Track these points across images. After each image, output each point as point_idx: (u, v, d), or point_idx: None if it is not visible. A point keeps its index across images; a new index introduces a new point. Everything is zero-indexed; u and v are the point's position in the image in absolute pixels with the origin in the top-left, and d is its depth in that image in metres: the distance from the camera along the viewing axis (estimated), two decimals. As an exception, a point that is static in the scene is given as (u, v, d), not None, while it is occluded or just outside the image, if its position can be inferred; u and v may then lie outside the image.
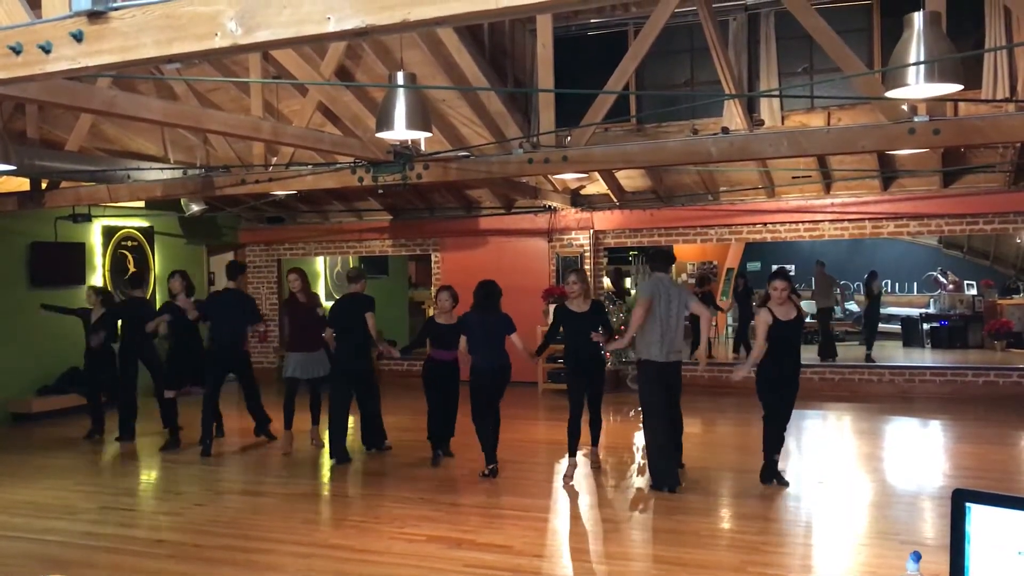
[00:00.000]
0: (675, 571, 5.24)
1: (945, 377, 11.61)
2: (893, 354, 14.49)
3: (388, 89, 5.95)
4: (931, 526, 6.09)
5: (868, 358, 13.35)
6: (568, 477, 7.40)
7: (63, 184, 10.20)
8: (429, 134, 6.40)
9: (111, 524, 6.86)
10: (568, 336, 7.61)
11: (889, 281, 18.63)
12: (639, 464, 8.18)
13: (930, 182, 11.00)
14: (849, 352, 14.84)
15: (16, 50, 3.00)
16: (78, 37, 2.91)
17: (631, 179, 11.95)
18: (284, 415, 8.76)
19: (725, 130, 8.10)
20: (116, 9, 2.86)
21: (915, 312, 16.90)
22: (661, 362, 7.03)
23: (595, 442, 7.89)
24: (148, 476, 8.29)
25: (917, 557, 2.01)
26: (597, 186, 12.04)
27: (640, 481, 7.55)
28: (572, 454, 7.53)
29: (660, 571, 5.27)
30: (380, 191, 11.66)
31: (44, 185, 10.16)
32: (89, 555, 5.96)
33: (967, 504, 1.77)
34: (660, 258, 7.37)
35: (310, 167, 8.82)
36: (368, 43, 8.48)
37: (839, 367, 12.45)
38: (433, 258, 14.00)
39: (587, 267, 12.80)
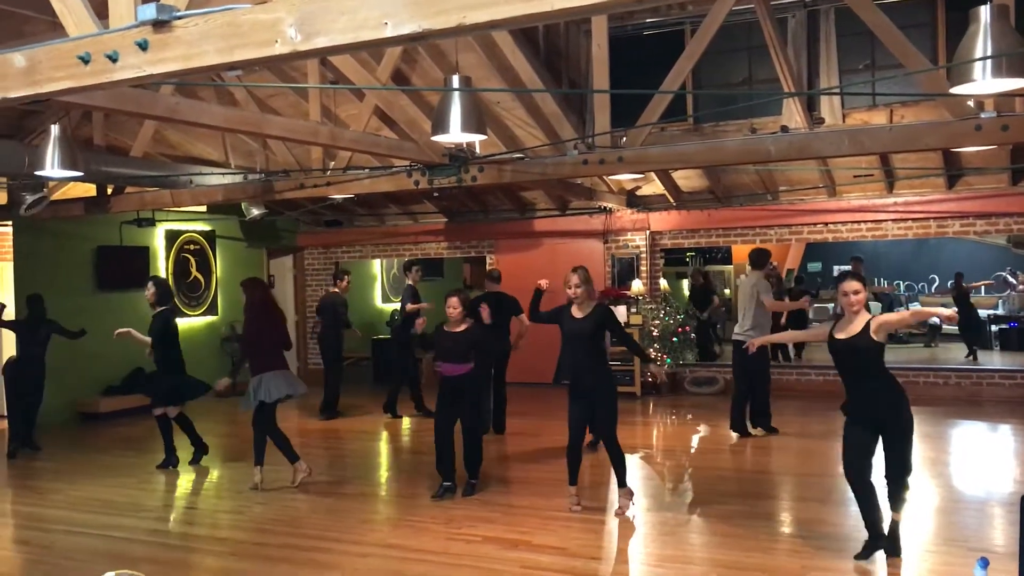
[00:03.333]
0: (734, 575, 5.18)
1: (1015, 380, 11.27)
2: (960, 356, 14.11)
3: (443, 92, 5.98)
4: (1001, 533, 5.92)
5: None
6: (573, 506, 6.54)
7: (128, 189, 10.48)
8: (484, 136, 6.42)
9: (175, 522, 7.03)
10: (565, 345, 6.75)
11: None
12: (697, 467, 8.10)
13: (998, 179, 10.70)
14: (913, 354, 14.52)
15: (85, 60, 3.09)
16: (143, 46, 2.98)
17: (688, 179, 11.84)
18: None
19: (784, 129, 7.98)
20: (180, 18, 2.92)
21: (983, 313, 16.45)
22: None
23: (620, 482, 6.55)
24: (210, 476, 8.44)
25: (984, 563, 1.95)
26: (653, 186, 11.96)
27: (698, 484, 7.47)
28: (572, 482, 6.61)
29: (719, 575, 5.21)
30: (435, 194, 11.75)
31: (110, 190, 10.45)
32: (154, 552, 6.10)
33: (1039, 512, 1.72)
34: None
35: (367, 171, 8.92)
36: (424, 47, 8.53)
37: (902, 369, 12.14)
38: (488, 260, 14.03)
39: (643, 268, 12.72)
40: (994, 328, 15.77)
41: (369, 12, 2.59)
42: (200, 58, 2.92)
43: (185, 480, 8.21)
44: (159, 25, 2.94)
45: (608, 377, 6.52)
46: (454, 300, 7.02)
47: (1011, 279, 17.62)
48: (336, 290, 11.47)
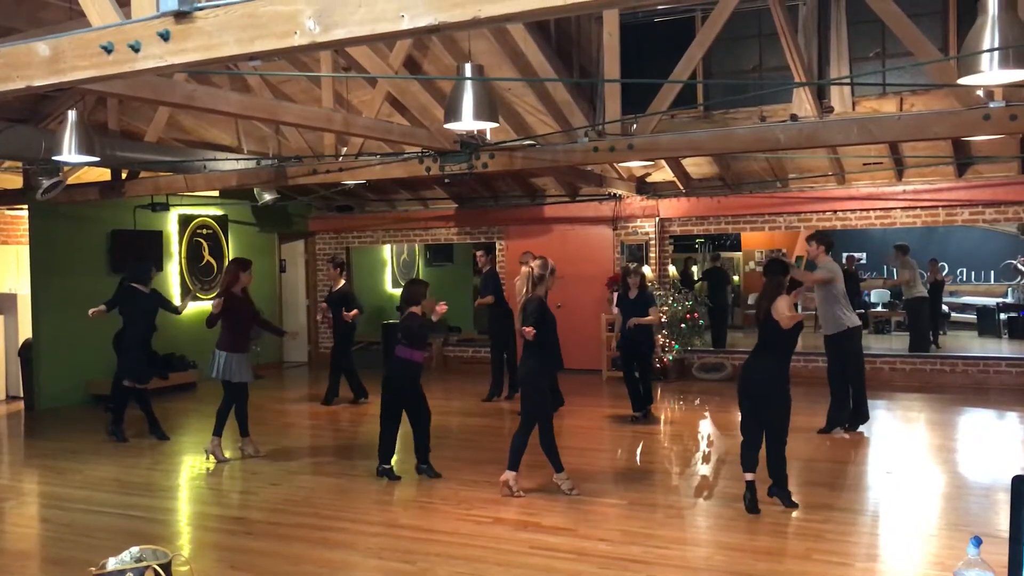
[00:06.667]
0: (739, 557, 5.27)
1: (1021, 368, 11.31)
2: (968, 344, 14.14)
3: (456, 81, 6.03)
4: (1004, 518, 5.97)
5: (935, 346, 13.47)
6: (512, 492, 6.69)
7: (142, 174, 10.58)
8: (496, 124, 6.48)
9: (190, 501, 7.16)
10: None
11: (964, 269, 18.18)
12: (704, 452, 8.20)
13: (1008, 168, 10.71)
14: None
15: (108, 49, 3.17)
16: (165, 36, 3.05)
17: (698, 166, 11.88)
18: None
19: (794, 117, 8.01)
20: (200, 9, 2.99)
21: (991, 301, 16.46)
22: None
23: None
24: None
25: (978, 542, 2.04)
26: (663, 173, 12.00)
27: (705, 468, 7.57)
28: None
29: (724, 557, 5.30)
30: (446, 180, 11.81)
31: (124, 175, 10.55)
32: (171, 530, 6.23)
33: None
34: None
35: (379, 157, 8.99)
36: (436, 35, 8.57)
37: (910, 357, 12.21)
38: (498, 246, 14.11)
39: (652, 255, 12.78)
40: (1003, 316, 15.78)
41: (387, 4, 2.66)
42: (220, 48, 2.99)
43: (197, 461, 8.32)
44: (180, 16, 3.01)
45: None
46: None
47: (1021, 267, 17.61)
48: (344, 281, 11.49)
